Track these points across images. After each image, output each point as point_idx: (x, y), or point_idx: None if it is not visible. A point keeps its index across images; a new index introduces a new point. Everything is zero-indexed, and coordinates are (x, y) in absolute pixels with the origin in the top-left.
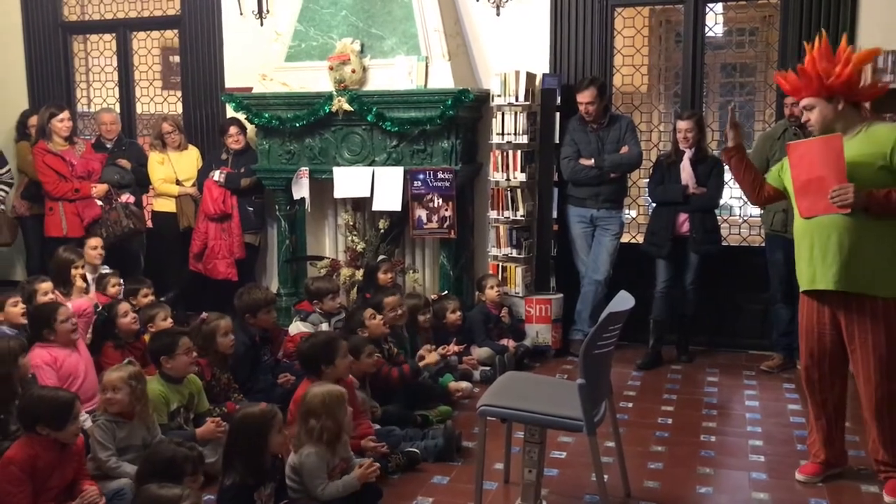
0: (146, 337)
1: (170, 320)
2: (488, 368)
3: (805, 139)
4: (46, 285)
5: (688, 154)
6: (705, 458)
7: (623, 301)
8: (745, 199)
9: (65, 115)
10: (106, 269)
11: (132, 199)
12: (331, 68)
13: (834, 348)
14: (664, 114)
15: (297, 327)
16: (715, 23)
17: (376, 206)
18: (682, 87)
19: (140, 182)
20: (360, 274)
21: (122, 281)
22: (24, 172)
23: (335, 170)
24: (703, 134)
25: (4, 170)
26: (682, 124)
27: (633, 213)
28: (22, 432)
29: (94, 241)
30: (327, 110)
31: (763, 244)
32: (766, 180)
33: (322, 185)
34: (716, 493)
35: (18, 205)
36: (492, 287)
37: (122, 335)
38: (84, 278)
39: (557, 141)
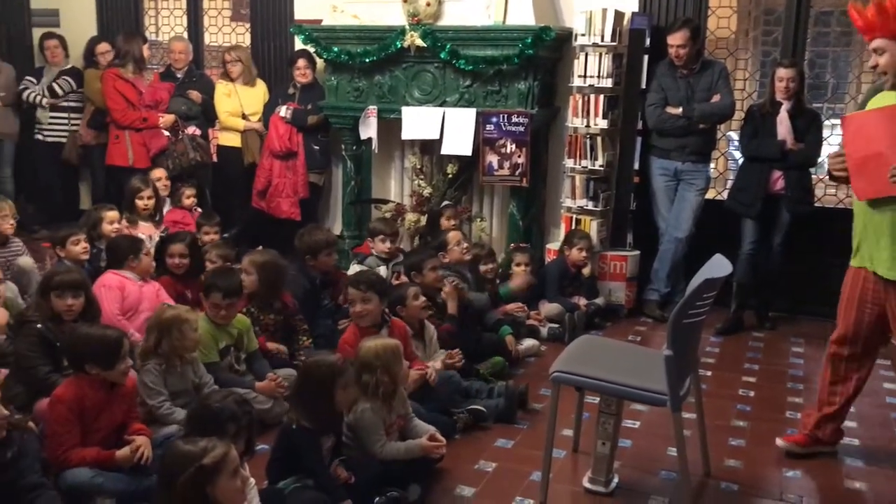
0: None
1: None
2: (557, 326)
3: (861, 111)
4: (113, 214)
5: (785, 106)
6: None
7: (719, 266)
8: None
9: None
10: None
11: (198, 131)
12: (404, 1)
13: (874, 326)
14: (759, 61)
15: (355, 270)
16: None
17: (445, 150)
18: (784, 32)
19: (208, 115)
20: (424, 220)
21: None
22: (91, 100)
23: (404, 109)
24: (803, 85)
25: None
26: (784, 72)
27: (718, 168)
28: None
29: (158, 173)
30: (399, 46)
31: None
32: None
33: (390, 126)
34: (804, 479)
35: (84, 133)
36: (580, 249)
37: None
38: (148, 209)
39: (644, 86)
